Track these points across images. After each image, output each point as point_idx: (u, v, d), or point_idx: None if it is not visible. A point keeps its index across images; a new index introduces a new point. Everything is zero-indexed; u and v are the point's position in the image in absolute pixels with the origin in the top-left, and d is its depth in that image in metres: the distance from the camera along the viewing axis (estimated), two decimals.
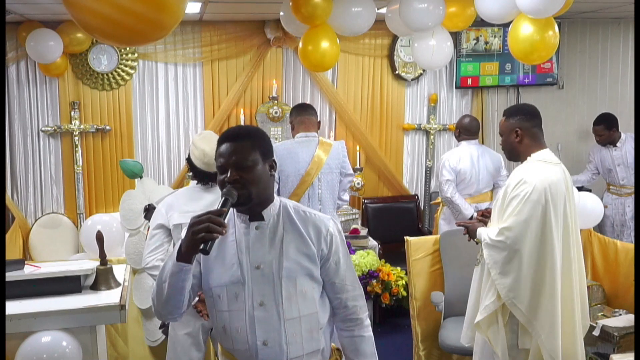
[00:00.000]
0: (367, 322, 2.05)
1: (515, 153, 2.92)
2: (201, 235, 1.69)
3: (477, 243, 3.00)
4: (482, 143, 5.72)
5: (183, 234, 1.92)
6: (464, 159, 4.67)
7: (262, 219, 1.91)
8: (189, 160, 3.05)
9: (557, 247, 2.74)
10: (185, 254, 1.76)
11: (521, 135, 2.85)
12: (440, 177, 4.71)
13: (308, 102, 5.53)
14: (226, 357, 1.98)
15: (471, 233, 3.01)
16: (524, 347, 2.80)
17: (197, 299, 2.90)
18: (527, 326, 2.75)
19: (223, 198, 1.80)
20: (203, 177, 3.01)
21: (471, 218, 4.57)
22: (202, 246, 1.70)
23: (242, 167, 1.84)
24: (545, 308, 2.72)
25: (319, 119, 4.16)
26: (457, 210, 4.64)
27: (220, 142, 1.91)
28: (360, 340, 2.02)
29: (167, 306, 1.87)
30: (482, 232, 2.89)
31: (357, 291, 2.02)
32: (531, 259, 2.72)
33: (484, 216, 4.50)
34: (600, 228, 5.33)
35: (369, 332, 2.04)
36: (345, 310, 2.00)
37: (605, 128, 5.34)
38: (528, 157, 2.85)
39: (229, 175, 1.84)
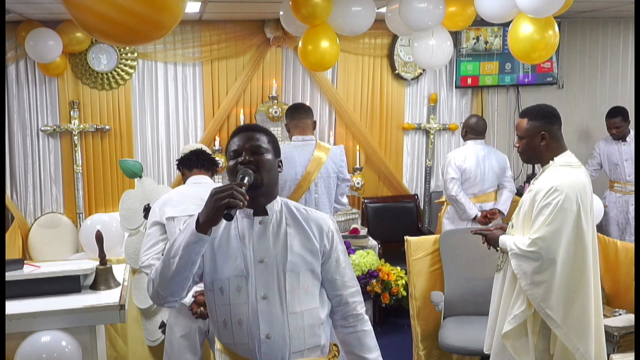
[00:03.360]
0: (367, 317, 2.08)
1: (537, 157, 2.82)
2: (226, 201, 1.71)
3: (497, 251, 2.91)
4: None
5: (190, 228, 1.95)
6: (470, 158, 4.66)
7: (265, 213, 1.94)
8: (178, 161, 3.38)
9: (590, 253, 2.68)
10: (205, 224, 1.77)
11: (548, 138, 2.76)
12: (445, 175, 4.68)
13: (308, 101, 5.53)
14: (225, 353, 1.99)
15: (491, 241, 2.90)
16: (554, 353, 2.74)
17: (192, 299, 2.90)
18: (559, 334, 2.67)
19: (240, 176, 1.85)
20: (189, 158, 3.28)
21: (475, 217, 4.58)
22: (226, 211, 1.71)
23: (256, 152, 1.92)
24: (577, 315, 2.66)
25: (314, 119, 4.12)
26: (462, 209, 4.62)
27: (235, 133, 2.00)
28: (364, 335, 2.05)
29: (171, 284, 1.85)
30: (508, 241, 2.77)
31: (355, 287, 2.06)
32: (565, 267, 2.65)
33: (487, 217, 4.53)
34: (605, 228, 5.32)
35: (369, 326, 2.08)
36: (345, 307, 2.03)
37: (623, 120, 5.26)
38: (550, 161, 2.76)
39: (242, 157, 1.90)
